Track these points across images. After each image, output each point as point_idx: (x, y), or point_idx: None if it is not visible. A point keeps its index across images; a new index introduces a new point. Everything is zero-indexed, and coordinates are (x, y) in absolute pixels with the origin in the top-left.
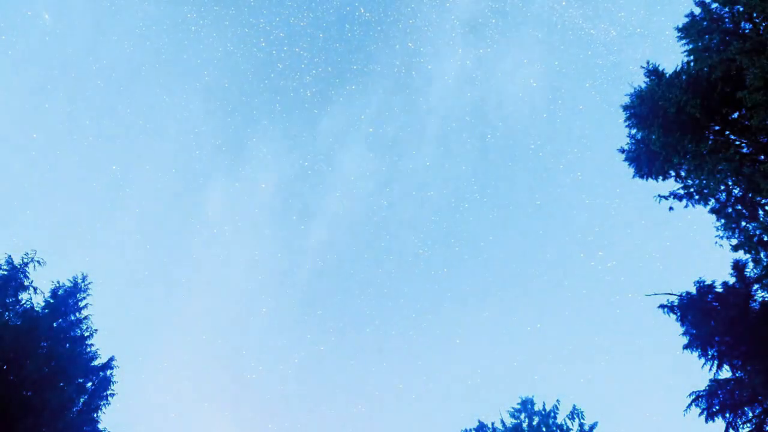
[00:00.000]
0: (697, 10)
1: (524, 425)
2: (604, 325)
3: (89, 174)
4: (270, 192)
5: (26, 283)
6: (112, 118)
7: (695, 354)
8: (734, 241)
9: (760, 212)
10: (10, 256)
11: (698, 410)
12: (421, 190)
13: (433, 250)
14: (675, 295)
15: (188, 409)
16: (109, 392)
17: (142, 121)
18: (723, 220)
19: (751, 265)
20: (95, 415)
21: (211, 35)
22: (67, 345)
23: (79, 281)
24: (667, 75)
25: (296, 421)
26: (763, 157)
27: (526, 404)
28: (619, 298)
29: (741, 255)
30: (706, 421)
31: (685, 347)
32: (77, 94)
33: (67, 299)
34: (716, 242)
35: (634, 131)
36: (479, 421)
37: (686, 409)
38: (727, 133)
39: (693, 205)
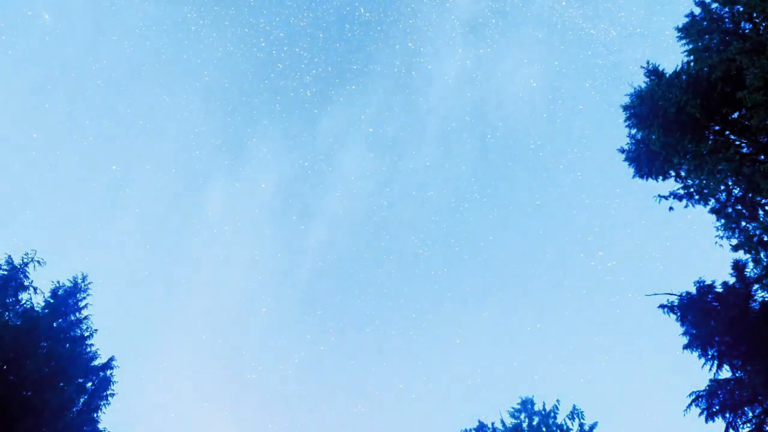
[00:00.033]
0: (697, 10)
1: (524, 425)
2: (604, 325)
3: (89, 174)
4: (270, 192)
5: (26, 283)
6: (112, 118)
7: (695, 354)
8: (734, 241)
9: (760, 212)
10: (10, 256)
11: (698, 410)
12: (421, 190)
13: (433, 250)
14: (675, 295)
15: (188, 409)
16: (109, 392)
17: (142, 121)
18: (723, 220)
19: (751, 265)
20: (95, 415)
21: (211, 35)
22: (67, 345)
23: (79, 281)
24: (667, 75)
25: (296, 421)
26: (763, 157)
27: (526, 404)
28: (619, 298)
29: (741, 255)
30: (706, 421)
31: (685, 347)
32: (77, 94)
33: (67, 299)
34: (716, 242)
35: (634, 131)
36: (479, 421)
37: (686, 409)
38: (727, 133)
39: (693, 205)
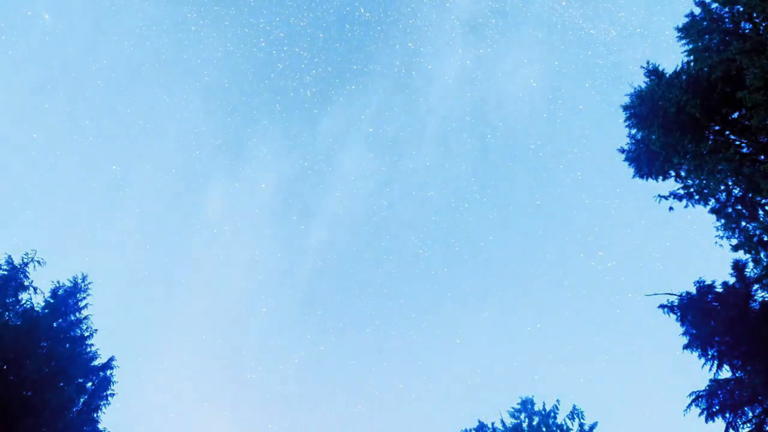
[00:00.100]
0: (697, 10)
1: (524, 425)
2: (604, 325)
3: (89, 174)
4: (270, 192)
5: (26, 283)
6: (112, 118)
7: (695, 354)
8: (734, 241)
9: (760, 212)
10: (10, 256)
11: (698, 410)
12: (421, 190)
13: (433, 250)
14: (675, 295)
15: (188, 409)
16: (109, 392)
17: (142, 121)
18: (723, 220)
19: (751, 265)
20: (95, 415)
21: (211, 35)
22: (67, 345)
23: (79, 281)
24: (667, 75)
25: (296, 421)
26: (763, 157)
27: (526, 404)
28: (619, 298)
29: (741, 255)
30: (706, 421)
31: (685, 347)
32: (77, 94)
33: (67, 299)
34: (716, 242)
35: (634, 131)
36: (479, 421)
37: (686, 409)
38: (727, 133)
39: (693, 205)
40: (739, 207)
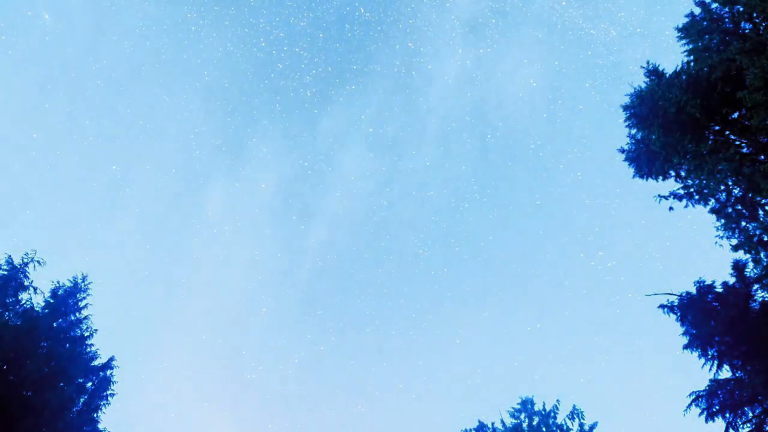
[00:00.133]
0: (697, 10)
1: (524, 425)
2: (604, 325)
3: (89, 174)
4: (270, 192)
5: (26, 283)
6: (112, 118)
7: (695, 354)
8: (734, 241)
9: (760, 212)
10: (10, 256)
11: (698, 410)
12: (421, 190)
13: (433, 250)
14: (675, 295)
15: (188, 409)
16: (109, 392)
17: (142, 121)
18: (723, 220)
19: (751, 265)
20: (95, 415)
21: (211, 35)
22: (67, 345)
23: (79, 281)
24: (667, 75)
25: (296, 421)
26: (763, 157)
27: (526, 404)
28: (619, 298)
29: (741, 255)
30: (706, 421)
31: (685, 347)
32: (77, 94)
33: (67, 299)
34: (716, 242)
35: (634, 131)
36: (479, 421)
37: (686, 409)
38: (727, 133)
39: (693, 205)
40: (739, 207)
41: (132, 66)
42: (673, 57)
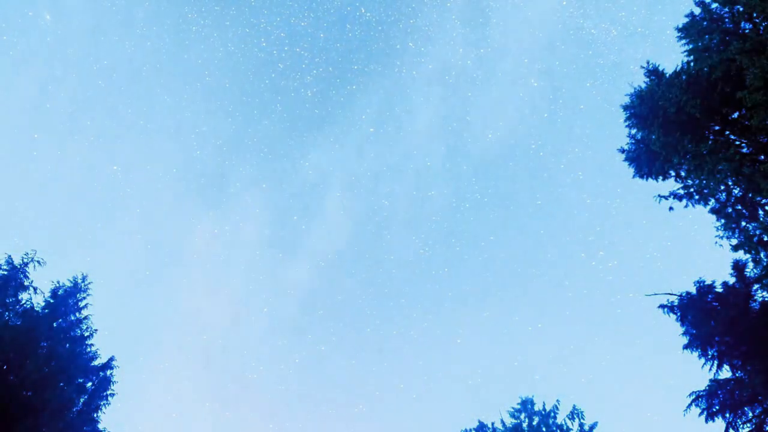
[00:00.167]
0: (697, 10)
1: (524, 425)
2: (604, 325)
3: (90, 174)
4: (270, 192)
5: (26, 283)
6: (113, 118)
7: (695, 354)
8: (734, 241)
9: (760, 212)
10: (10, 256)
11: (698, 410)
12: (421, 190)
13: (434, 250)
14: (675, 295)
15: (188, 409)
16: (109, 392)
17: (142, 121)
18: (723, 220)
19: (751, 265)
20: (95, 415)
21: (212, 35)
22: (67, 345)
23: (79, 281)
24: (667, 75)
25: (296, 421)
26: (763, 157)
27: (526, 404)
28: (620, 298)
29: (741, 255)
30: (706, 421)
31: (685, 347)
32: (78, 94)
33: (67, 299)
34: (716, 242)
35: (634, 131)
36: (479, 421)
37: (686, 409)
38: (727, 133)
39: (693, 205)
40: (739, 207)
41: (133, 66)
42: (673, 57)
